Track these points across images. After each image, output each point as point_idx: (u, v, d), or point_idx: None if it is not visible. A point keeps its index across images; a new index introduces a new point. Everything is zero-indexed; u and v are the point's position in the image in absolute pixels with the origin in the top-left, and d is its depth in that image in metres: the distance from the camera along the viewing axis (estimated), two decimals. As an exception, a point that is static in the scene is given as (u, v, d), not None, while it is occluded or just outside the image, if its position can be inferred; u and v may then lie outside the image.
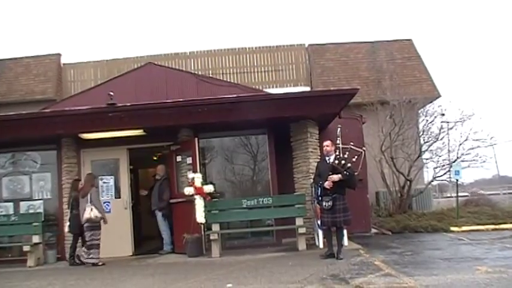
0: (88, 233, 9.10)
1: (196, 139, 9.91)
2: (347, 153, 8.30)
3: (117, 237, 10.00)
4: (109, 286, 6.94)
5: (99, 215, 9.14)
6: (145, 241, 12.22)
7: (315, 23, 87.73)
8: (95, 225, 9.14)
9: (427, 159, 14.39)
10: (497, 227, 11.41)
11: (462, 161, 13.55)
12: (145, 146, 10.63)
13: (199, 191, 9.21)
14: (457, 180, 13.21)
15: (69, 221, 9.52)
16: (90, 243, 9.08)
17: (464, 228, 11.46)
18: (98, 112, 9.41)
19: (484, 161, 13.75)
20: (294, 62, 18.41)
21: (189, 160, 9.92)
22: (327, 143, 8.36)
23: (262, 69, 18.24)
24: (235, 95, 9.60)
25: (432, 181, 14.87)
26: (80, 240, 9.53)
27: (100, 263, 9.04)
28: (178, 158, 10.27)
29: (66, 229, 9.61)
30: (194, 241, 9.35)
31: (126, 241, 10.34)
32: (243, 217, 9.78)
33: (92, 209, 9.05)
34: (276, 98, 9.97)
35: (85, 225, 9.13)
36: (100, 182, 10.45)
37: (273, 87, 17.68)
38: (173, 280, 6.97)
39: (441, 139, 13.96)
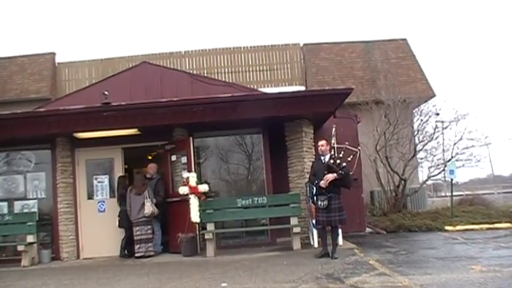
0: (144, 226, 9.67)
1: (191, 138, 9.89)
2: (342, 152, 8.32)
3: (112, 236, 10.01)
4: (104, 285, 6.92)
5: (157, 209, 9.82)
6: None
7: (310, 22, 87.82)
8: (152, 219, 9.83)
9: (421, 158, 14.45)
10: (491, 226, 11.44)
11: (457, 160, 13.59)
12: (140, 145, 10.59)
13: (194, 191, 9.18)
14: (451, 179, 13.25)
15: (119, 216, 9.97)
16: (148, 237, 9.68)
17: (458, 227, 11.48)
18: (93, 111, 9.38)
19: (478, 161, 13.85)
20: (289, 61, 18.41)
21: (184, 159, 9.90)
22: (322, 142, 8.37)
23: (257, 69, 18.24)
24: (230, 95, 9.60)
25: (427, 180, 14.90)
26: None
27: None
28: (173, 158, 10.25)
29: (117, 223, 9.97)
30: (189, 240, 9.35)
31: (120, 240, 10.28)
32: (238, 216, 9.77)
33: (151, 204, 9.69)
34: (271, 97, 9.95)
35: (143, 219, 9.66)
36: (95, 182, 10.45)
37: (267, 86, 17.69)
38: (168, 279, 6.96)
39: (436, 138, 14.03)
